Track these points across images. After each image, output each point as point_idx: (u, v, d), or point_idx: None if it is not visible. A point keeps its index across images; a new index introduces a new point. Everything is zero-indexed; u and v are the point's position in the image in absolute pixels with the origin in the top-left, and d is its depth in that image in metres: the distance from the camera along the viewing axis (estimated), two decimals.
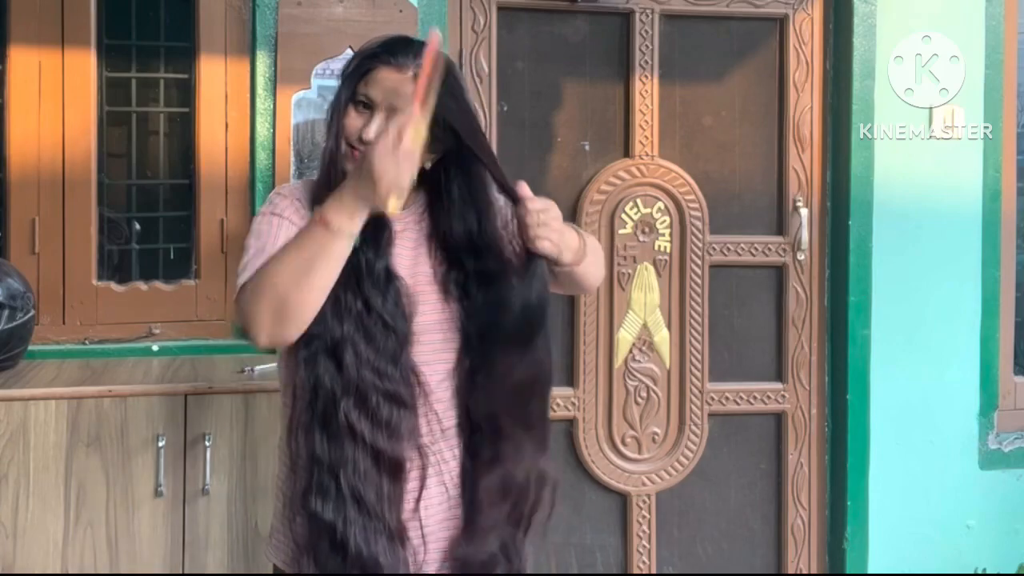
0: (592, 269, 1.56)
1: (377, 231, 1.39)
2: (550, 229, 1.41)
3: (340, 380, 1.37)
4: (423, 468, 1.43)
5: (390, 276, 1.41)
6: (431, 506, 1.46)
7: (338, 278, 1.33)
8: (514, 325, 1.45)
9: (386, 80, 1.40)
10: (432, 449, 1.45)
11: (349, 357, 1.36)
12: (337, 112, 1.43)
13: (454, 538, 1.47)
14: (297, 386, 1.40)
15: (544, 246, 1.42)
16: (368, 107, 1.42)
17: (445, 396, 1.47)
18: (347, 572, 1.35)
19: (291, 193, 1.46)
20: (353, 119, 1.42)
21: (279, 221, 1.41)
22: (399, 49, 1.43)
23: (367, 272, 1.38)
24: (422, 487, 1.44)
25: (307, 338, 1.36)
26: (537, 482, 1.49)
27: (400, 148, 1.27)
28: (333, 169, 1.42)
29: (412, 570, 1.42)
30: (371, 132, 1.39)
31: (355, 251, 1.34)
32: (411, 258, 1.47)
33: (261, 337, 1.32)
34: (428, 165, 1.45)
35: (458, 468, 1.49)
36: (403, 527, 1.40)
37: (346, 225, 1.30)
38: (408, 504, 1.42)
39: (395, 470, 1.39)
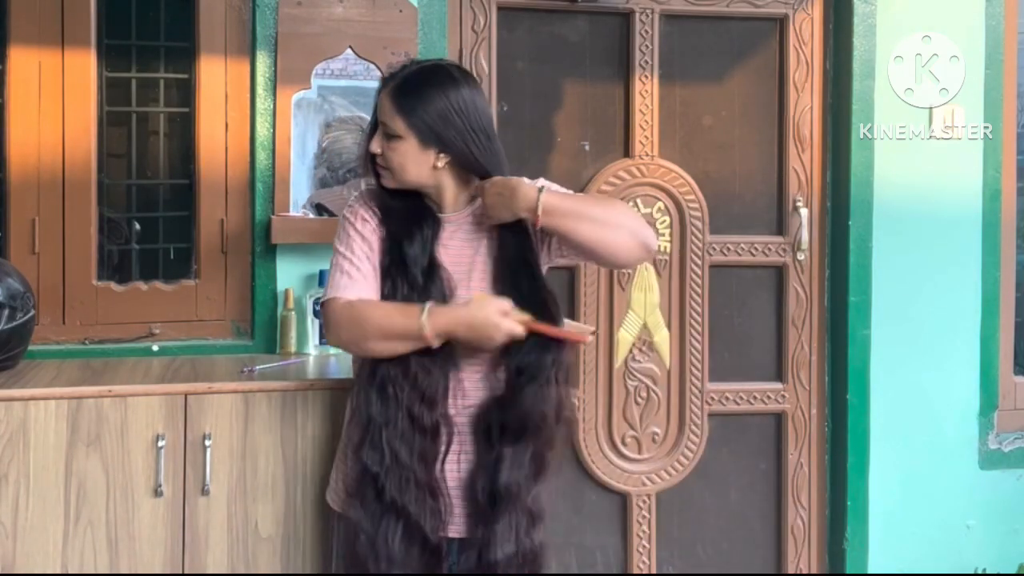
0: (589, 228, 1.69)
1: (424, 228, 1.73)
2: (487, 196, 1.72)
3: None
4: (449, 435, 1.69)
5: (432, 265, 1.71)
6: (452, 469, 1.71)
7: (391, 266, 1.72)
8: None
9: (380, 100, 1.75)
10: (455, 421, 1.70)
11: None
12: (365, 137, 1.80)
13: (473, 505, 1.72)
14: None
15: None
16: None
17: (474, 377, 1.72)
18: (383, 514, 1.65)
19: (367, 204, 1.78)
20: (374, 141, 1.76)
21: (360, 240, 1.74)
22: (390, 74, 1.76)
23: (413, 263, 1.70)
24: (447, 451, 1.69)
25: None
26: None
27: (509, 330, 1.63)
28: (376, 180, 1.79)
29: (441, 520, 1.69)
30: (373, 146, 1.75)
31: (401, 245, 1.71)
32: (462, 252, 1.76)
33: (334, 344, 1.82)
34: (442, 164, 1.73)
35: (476, 443, 1.72)
36: (434, 482, 1.68)
37: (436, 341, 1.64)
38: (438, 464, 1.69)
39: (428, 431, 1.66)
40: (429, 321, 1.62)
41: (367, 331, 1.66)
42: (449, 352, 1.67)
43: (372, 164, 1.78)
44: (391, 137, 1.72)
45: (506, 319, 1.63)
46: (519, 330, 1.64)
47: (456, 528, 1.73)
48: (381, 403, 1.66)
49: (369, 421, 1.67)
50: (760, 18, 2.86)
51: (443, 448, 1.69)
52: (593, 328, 1.70)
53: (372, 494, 1.67)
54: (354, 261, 1.72)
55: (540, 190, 1.67)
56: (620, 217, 1.72)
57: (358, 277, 1.71)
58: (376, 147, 1.75)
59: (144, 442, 1.97)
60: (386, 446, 1.65)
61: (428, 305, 1.64)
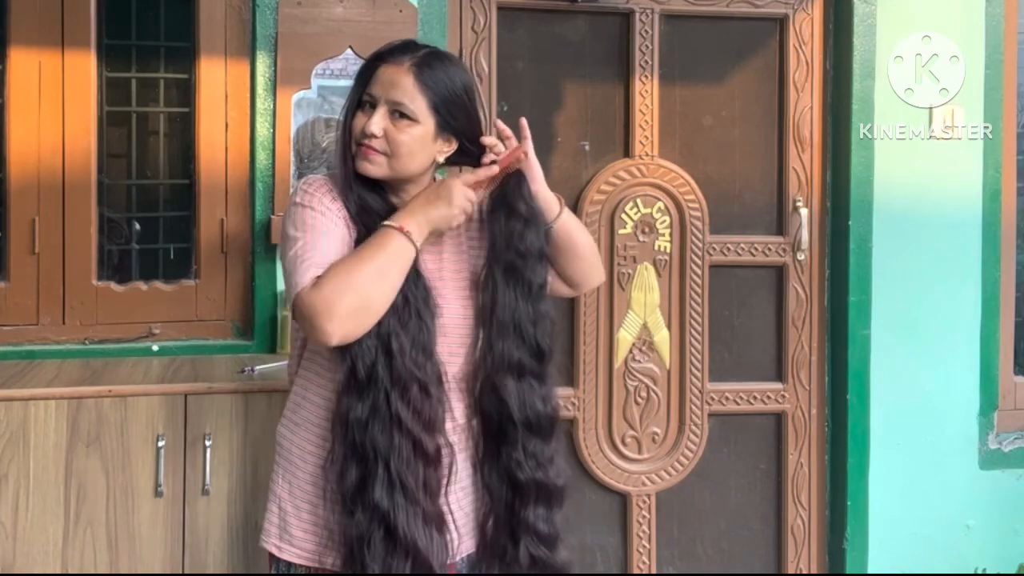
0: (579, 232, 1.67)
1: None
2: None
3: (390, 371, 1.46)
4: (451, 457, 1.54)
5: (418, 273, 1.52)
6: (459, 494, 1.58)
7: None
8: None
9: (383, 75, 1.53)
10: (452, 439, 1.56)
11: (396, 346, 1.46)
12: (345, 115, 1.57)
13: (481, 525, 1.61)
14: (340, 379, 1.49)
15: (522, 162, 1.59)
16: (373, 105, 1.54)
17: (459, 389, 1.59)
18: (394, 555, 1.45)
19: (322, 185, 1.55)
20: (359, 119, 1.55)
21: (322, 215, 1.50)
22: (396, 49, 1.56)
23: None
24: (450, 476, 1.54)
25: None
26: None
27: (471, 191, 1.53)
28: (346, 167, 1.55)
29: (450, 552, 1.53)
30: (372, 126, 1.51)
31: None
32: (433, 259, 1.58)
33: (336, 333, 1.41)
34: (442, 159, 1.59)
35: (474, 459, 1.61)
36: (440, 513, 1.51)
37: (419, 236, 1.48)
38: (442, 494, 1.53)
39: (430, 458, 1.49)
40: (415, 229, 1.47)
41: (363, 290, 1.41)
42: (442, 371, 1.53)
43: (347, 146, 1.55)
44: (403, 118, 1.51)
45: (454, 181, 1.52)
46: (469, 188, 1.53)
47: (466, 545, 1.61)
48: (380, 430, 1.45)
49: (374, 452, 1.46)
50: (760, 18, 2.86)
51: (445, 475, 1.53)
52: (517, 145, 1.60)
53: (380, 535, 1.45)
54: (308, 239, 1.47)
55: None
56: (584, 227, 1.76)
57: (314, 252, 1.45)
58: (377, 127, 1.51)
59: (144, 442, 1.97)
60: (396, 478, 1.45)
61: (392, 222, 1.48)
